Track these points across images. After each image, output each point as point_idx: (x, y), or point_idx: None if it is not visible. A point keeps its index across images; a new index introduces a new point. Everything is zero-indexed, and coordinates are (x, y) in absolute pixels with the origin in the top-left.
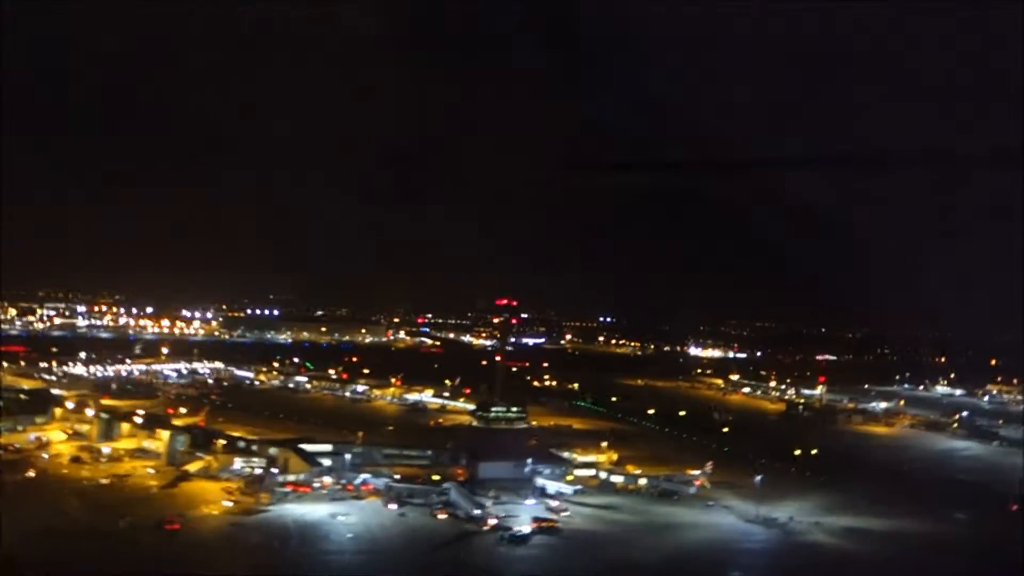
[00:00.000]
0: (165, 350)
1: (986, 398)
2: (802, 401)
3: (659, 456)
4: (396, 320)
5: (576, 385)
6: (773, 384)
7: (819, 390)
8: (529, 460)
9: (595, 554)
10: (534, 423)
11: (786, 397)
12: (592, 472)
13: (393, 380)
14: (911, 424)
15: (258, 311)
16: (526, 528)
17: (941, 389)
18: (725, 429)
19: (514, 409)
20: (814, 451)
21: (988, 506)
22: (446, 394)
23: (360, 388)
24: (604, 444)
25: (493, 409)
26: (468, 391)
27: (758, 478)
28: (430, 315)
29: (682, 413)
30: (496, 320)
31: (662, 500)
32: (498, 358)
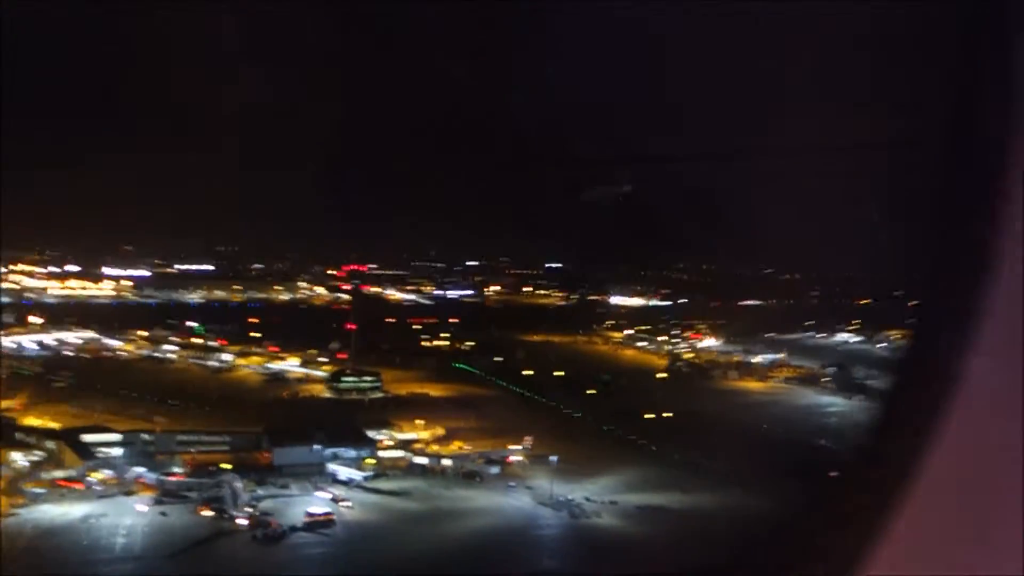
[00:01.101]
0: (37, 318)
1: (882, 344)
2: (687, 356)
3: (499, 428)
4: (334, 273)
5: (471, 344)
6: (665, 338)
7: (707, 342)
8: (327, 443)
9: (354, 553)
10: (392, 392)
11: (676, 351)
12: (402, 453)
13: (267, 346)
14: (789, 377)
15: (193, 267)
16: (294, 524)
17: (843, 335)
18: (591, 391)
19: (367, 378)
20: (667, 414)
21: (809, 474)
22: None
23: (226, 357)
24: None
25: (344, 379)
26: (343, 356)
27: (553, 458)
28: (374, 265)
29: (559, 374)
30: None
31: (464, 482)
32: (351, 326)
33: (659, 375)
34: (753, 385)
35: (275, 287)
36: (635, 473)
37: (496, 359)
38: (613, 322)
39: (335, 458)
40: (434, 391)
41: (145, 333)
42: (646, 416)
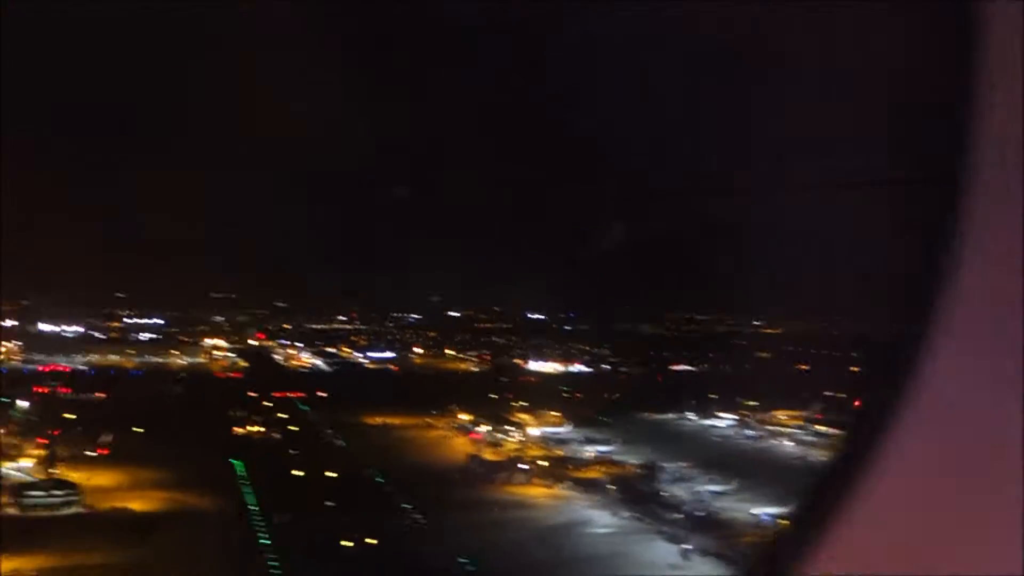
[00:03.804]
0: None
1: (751, 431)
2: (511, 446)
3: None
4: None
5: (290, 429)
6: (515, 419)
7: (553, 428)
8: None
9: None
10: (94, 505)
11: (507, 439)
12: None
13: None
14: (592, 479)
15: (144, 320)
16: None
17: (726, 416)
18: (329, 503)
19: (58, 492)
20: (371, 540)
21: None
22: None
23: None
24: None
25: (28, 492)
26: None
27: None
28: (319, 326)
29: (331, 474)
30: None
31: None
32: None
33: (451, 471)
34: (534, 491)
35: (172, 351)
36: None
37: (291, 451)
38: (496, 396)
39: None
40: (144, 503)
41: None
42: (343, 544)
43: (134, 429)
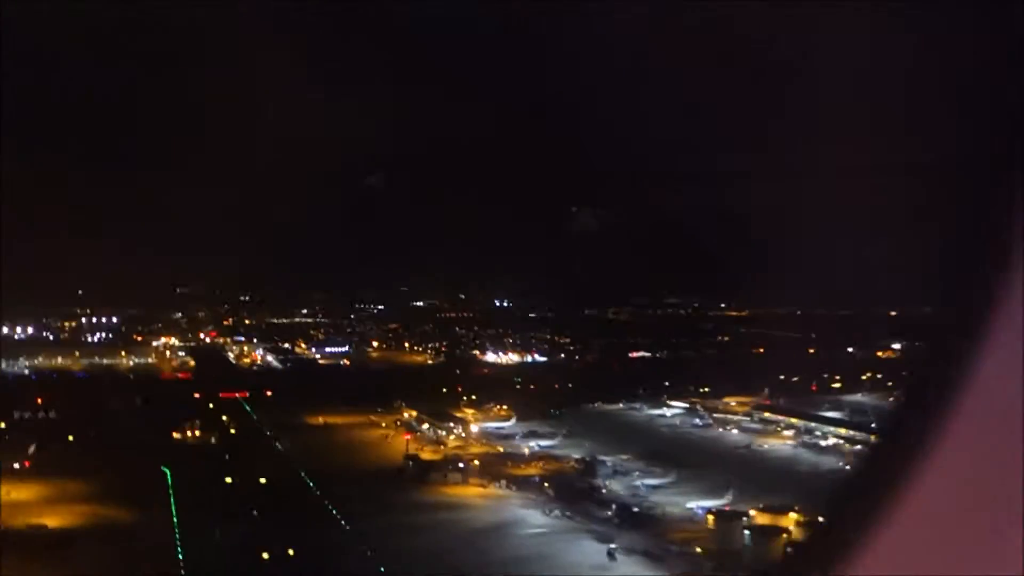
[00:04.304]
0: None
1: (698, 420)
2: (452, 444)
3: None
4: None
5: (230, 431)
6: (455, 422)
7: (499, 423)
8: None
9: None
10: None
11: (448, 436)
12: None
13: None
14: (529, 476)
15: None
16: None
17: (676, 404)
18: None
19: None
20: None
21: None
22: None
23: None
24: None
25: None
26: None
27: None
28: (281, 320)
29: (263, 480)
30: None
31: None
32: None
33: (385, 473)
34: (469, 492)
35: (121, 352)
36: None
37: (227, 456)
38: (447, 390)
39: None
40: (61, 518)
41: None
42: (262, 556)
43: (67, 437)
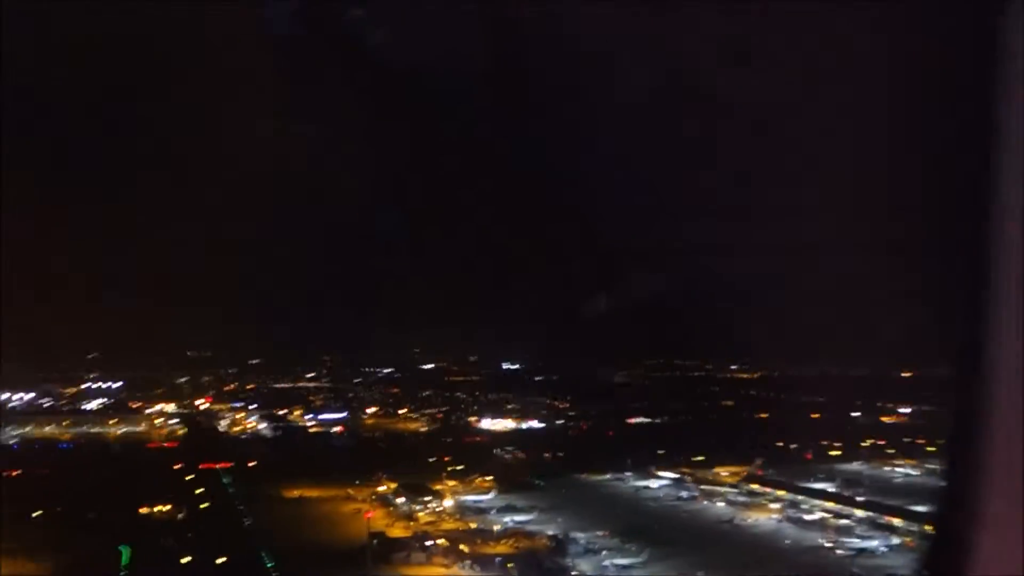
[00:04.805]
0: None
1: (684, 492)
2: (425, 520)
3: None
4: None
5: (198, 506)
6: (431, 496)
7: (478, 496)
8: None
9: None
10: None
11: (426, 511)
12: None
13: None
14: (505, 552)
15: (105, 383)
16: None
17: (665, 475)
18: None
19: None
20: None
21: None
22: None
23: None
24: None
25: None
26: None
27: None
28: (283, 385)
29: (221, 560)
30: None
31: None
32: None
33: (349, 553)
34: (427, 573)
35: (111, 420)
36: None
37: (189, 533)
38: (435, 459)
39: None
40: None
41: None
42: None
43: (30, 512)
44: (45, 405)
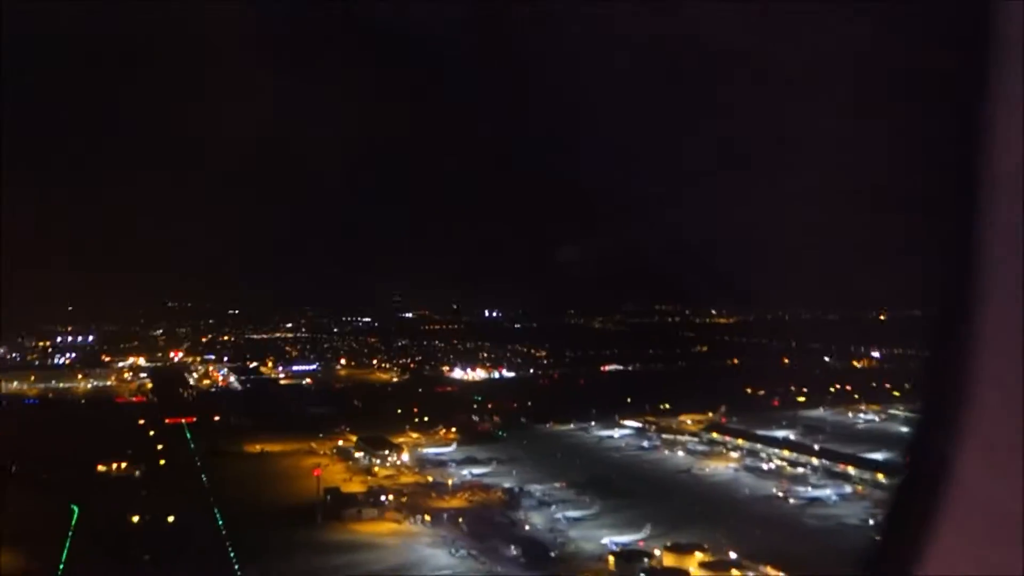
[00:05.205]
0: None
1: (646, 442)
2: (382, 474)
3: None
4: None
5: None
6: (391, 449)
7: (439, 448)
8: None
9: None
10: None
11: (381, 464)
12: None
13: None
14: (455, 508)
15: (77, 337)
16: None
17: (628, 424)
18: None
19: None
20: None
21: None
22: None
23: None
24: None
25: None
26: None
27: None
28: (260, 335)
29: (170, 519)
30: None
31: None
32: None
33: (301, 509)
34: (378, 528)
35: (80, 375)
36: None
37: (144, 491)
38: (401, 411)
39: None
40: None
41: None
42: None
43: None
44: (16, 359)
